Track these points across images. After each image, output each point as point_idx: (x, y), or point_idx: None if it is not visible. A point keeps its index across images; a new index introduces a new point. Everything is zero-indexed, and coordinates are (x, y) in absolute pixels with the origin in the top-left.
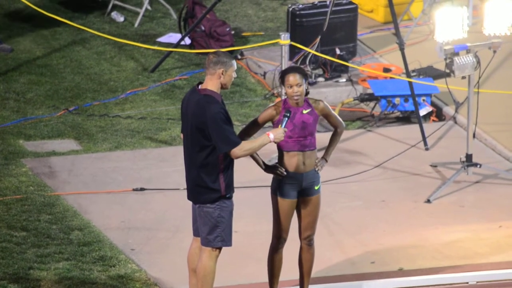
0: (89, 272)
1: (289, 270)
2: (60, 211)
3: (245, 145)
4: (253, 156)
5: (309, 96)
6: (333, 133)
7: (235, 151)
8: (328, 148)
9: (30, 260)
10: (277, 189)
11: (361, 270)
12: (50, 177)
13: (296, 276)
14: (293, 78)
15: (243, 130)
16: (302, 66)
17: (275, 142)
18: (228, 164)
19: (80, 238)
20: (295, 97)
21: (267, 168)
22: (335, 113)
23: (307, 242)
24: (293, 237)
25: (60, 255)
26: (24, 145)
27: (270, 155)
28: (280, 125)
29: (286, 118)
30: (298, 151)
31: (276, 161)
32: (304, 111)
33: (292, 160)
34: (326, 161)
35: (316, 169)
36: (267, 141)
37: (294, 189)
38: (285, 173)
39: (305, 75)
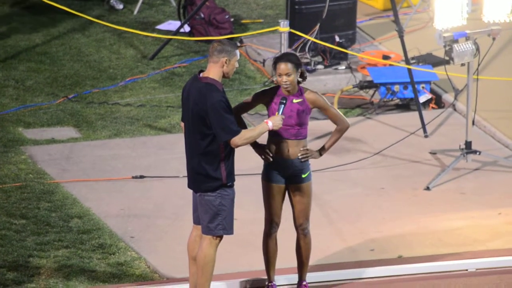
0: (88, 260)
1: (289, 258)
2: (60, 198)
3: (245, 134)
4: None
5: (306, 84)
6: (333, 131)
7: (235, 140)
8: (325, 143)
9: (30, 248)
10: (265, 174)
11: (360, 258)
12: (50, 165)
13: (295, 263)
14: (283, 67)
15: (235, 107)
16: (301, 54)
17: (274, 130)
18: (229, 153)
19: (80, 226)
20: (284, 86)
21: (256, 147)
22: (335, 109)
23: (301, 231)
24: (292, 225)
25: (59, 242)
26: (23, 133)
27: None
28: (277, 113)
29: (283, 105)
30: (284, 138)
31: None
32: (295, 100)
33: (276, 146)
34: (321, 154)
35: (299, 158)
36: (266, 128)
37: (280, 174)
38: (270, 159)
39: (297, 65)
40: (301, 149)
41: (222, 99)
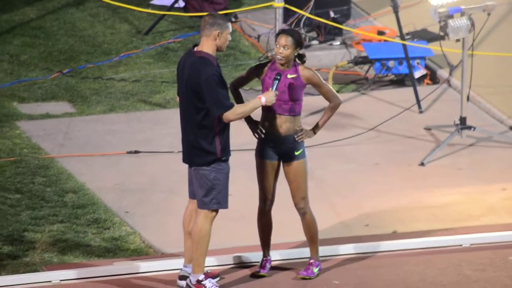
0: (83, 235)
1: (283, 233)
2: (54, 173)
3: (237, 109)
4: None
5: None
6: (326, 108)
7: (227, 114)
8: (319, 121)
9: (25, 223)
10: (258, 151)
11: (355, 233)
12: (44, 140)
13: (290, 239)
14: (283, 39)
15: (231, 83)
16: (296, 29)
17: (267, 105)
18: (223, 127)
19: (75, 201)
20: (278, 57)
21: (249, 122)
22: (328, 86)
23: (298, 211)
24: (286, 200)
25: (54, 217)
26: (18, 107)
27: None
28: (271, 88)
29: (277, 81)
30: (278, 113)
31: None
32: (289, 76)
33: (270, 122)
34: (315, 133)
35: (296, 138)
36: (259, 104)
37: (273, 151)
38: (262, 135)
39: (298, 42)
40: (296, 129)
41: (215, 73)
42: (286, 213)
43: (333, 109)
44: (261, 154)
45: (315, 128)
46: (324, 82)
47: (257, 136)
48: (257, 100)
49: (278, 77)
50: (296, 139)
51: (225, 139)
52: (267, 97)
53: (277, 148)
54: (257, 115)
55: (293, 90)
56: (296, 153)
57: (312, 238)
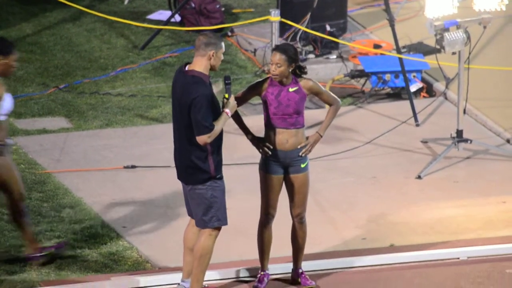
0: (80, 250)
1: (282, 247)
2: (51, 189)
3: (212, 133)
4: (241, 125)
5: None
6: (328, 110)
7: (202, 138)
8: (323, 124)
9: (22, 238)
10: (263, 165)
11: (352, 247)
12: (41, 155)
13: (289, 253)
14: (277, 57)
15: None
16: (292, 43)
17: (233, 113)
18: (216, 146)
19: (72, 216)
20: (273, 75)
21: (254, 139)
22: (328, 91)
23: (298, 220)
24: (285, 214)
25: (51, 233)
26: (14, 123)
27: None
28: (226, 95)
29: (229, 86)
30: (283, 128)
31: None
32: (291, 89)
33: (275, 137)
34: (321, 136)
35: (301, 154)
36: (227, 118)
37: (279, 166)
38: (269, 152)
39: (292, 59)
40: (300, 146)
41: (206, 93)
42: (283, 227)
43: (336, 110)
44: (266, 169)
45: (320, 131)
46: (323, 89)
47: (263, 152)
48: (224, 115)
49: (228, 81)
50: (301, 154)
51: (219, 157)
52: (230, 107)
53: (283, 162)
54: (260, 130)
55: (296, 103)
56: (302, 166)
57: (304, 246)
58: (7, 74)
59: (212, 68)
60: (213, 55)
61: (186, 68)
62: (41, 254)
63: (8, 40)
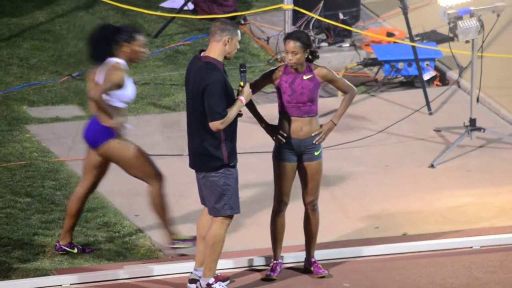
0: (93, 238)
1: (294, 236)
2: (64, 177)
3: (226, 119)
4: (255, 113)
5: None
6: (344, 98)
7: (215, 124)
8: (337, 112)
9: (35, 226)
10: (277, 153)
11: (365, 235)
12: (54, 143)
13: (301, 242)
14: (291, 45)
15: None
16: (305, 31)
17: (248, 101)
18: (231, 133)
19: (85, 204)
20: (289, 64)
21: (268, 127)
22: (343, 79)
23: (311, 207)
24: (297, 203)
25: (64, 221)
26: (27, 111)
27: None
28: (241, 82)
29: (244, 74)
30: (297, 116)
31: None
32: (305, 77)
33: (290, 125)
34: (335, 124)
35: (314, 142)
36: (241, 105)
37: (293, 153)
38: (283, 140)
39: (307, 45)
40: (313, 134)
41: (219, 79)
42: (296, 216)
43: (351, 98)
44: (280, 157)
45: (334, 119)
46: (338, 76)
47: (276, 140)
48: (238, 102)
49: (244, 69)
50: (315, 142)
51: (232, 145)
52: (245, 95)
53: (297, 150)
54: (273, 119)
55: (310, 91)
56: (316, 153)
57: (316, 234)
58: (135, 61)
59: (226, 57)
60: (228, 41)
61: (201, 55)
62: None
63: (132, 26)
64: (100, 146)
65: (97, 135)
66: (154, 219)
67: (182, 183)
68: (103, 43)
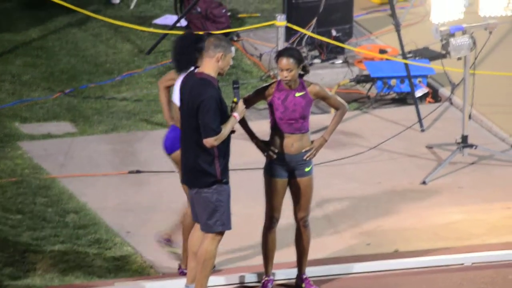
0: (84, 255)
1: (286, 253)
2: (56, 193)
3: (220, 136)
4: (247, 129)
5: (306, 78)
6: (335, 114)
7: (209, 140)
8: (328, 128)
9: (26, 243)
10: (268, 169)
11: (356, 252)
12: (46, 160)
13: (293, 258)
14: (285, 62)
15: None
16: (298, 48)
17: (241, 117)
18: (223, 149)
19: (76, 221)
20: (284, 81)
21: (259, 142)
22: (335, 96)
23: (302, 223)
24: (289, 220)
25: (55, 238)
26: (19, 128)
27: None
28: (234, 98)
29: (237, 90)
30: (288, 132)
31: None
32: (297, 94)
33: (281, 141)
34: (326, 140)
35: (305, 158)
36: (235, 121)
37: (284, 169)
38: (274, 156)
39: (299, 60)
40: (304, 150)
41: (214, 95)
42: (287, 234)
43: (342, 114)
44: (271, 172)
45: (325, 135)
46: (330, 93)
47: (267, 156)
48: (232, 118)
49: (237, 85)
50: (306, 158)
51: (225, 161)
52: (239, 111)
53: (288, 166)
54: (265, 135)
55: (302, 108)
56: (307, 170)
57: (308, 251)
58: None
59: (220, 73)
60: (221, 57)
61: (195, 71)
62: None
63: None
64: (175, 151)
65: (175, 142)
66: (146, 236)
67: (174, 200)
68: (188, 51)
